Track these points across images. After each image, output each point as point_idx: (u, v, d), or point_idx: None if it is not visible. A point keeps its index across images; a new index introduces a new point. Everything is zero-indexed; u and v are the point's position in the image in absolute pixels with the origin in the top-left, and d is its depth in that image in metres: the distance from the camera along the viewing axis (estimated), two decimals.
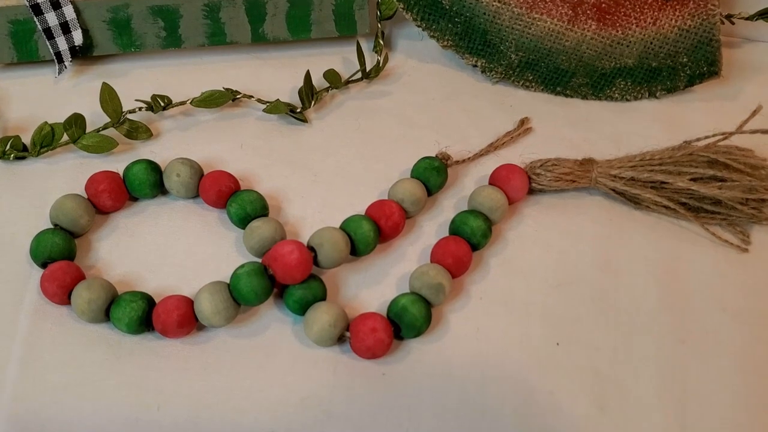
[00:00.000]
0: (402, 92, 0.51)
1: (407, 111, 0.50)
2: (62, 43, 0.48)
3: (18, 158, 0.45)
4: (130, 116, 0.46)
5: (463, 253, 0.41)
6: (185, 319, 0.38)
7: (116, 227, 0.44)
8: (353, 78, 0.50)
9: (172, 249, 0.43)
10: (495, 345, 0.40)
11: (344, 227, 0.41)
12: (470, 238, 0.41)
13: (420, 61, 0.52)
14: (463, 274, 0.41)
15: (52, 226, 0.42)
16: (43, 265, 0.41)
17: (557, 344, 0.40)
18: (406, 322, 0.38)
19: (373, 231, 0.41)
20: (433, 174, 0.44)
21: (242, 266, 0.38)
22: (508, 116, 0.50)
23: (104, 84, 0.45)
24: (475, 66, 0.51)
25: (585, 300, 0.42)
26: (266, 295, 0.38)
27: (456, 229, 0.42)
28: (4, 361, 0.38)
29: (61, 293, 0.39)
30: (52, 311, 0.40)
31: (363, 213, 0.43)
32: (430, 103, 0.50)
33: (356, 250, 0.41)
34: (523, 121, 0.49)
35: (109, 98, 0.45)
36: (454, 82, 0.51)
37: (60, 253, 0.40)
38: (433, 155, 0.45)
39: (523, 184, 0.44)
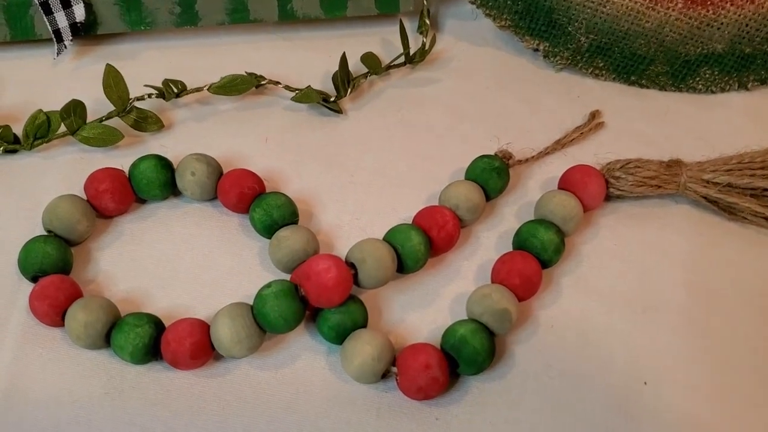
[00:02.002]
0: (451, 79, 0.44)
1: (457, 101, 0.43)
2: (62, 20, 0.42)
3: (8, 152, 0.39)
4: (137, 104, 0.39)
5: (533, 272, 0.34)
6: (200, 348, 0.32)
7: (120, 234, 0.37)
8: (395, 62, 0.43)
9: (184, 261, 0.36)
10: (570, 383, 0.33)
11: (389, 239, 0.34)
12: (540, 254, 0.35)
13: (471, 44, 0.46)
14: (531, 297, 0.34)
15: (45, 233, 0.36)
16: (34, 279, 0.34)
17: (644, 383, 0.33)
18: (465, 356, 0.32)
19: (424, 244, 0.34)
20: (493, 176, 0.37)
21: (268, 285, 0.32)
22: (574, 108, 0.43)
23: (108, 66, 0.38)
24: (537, 50, 0.44)
25: (675, 329, 0.35)
26: (297, 321, 0.32)
27: (523, 242, 0.35)
28: None
29: (53, 313, 0.33)
30: (42, 334, 0.34)
31: (410, 222, 0.36)
32: (484, 92, 0.43)
33: (403, 266, 0.34)
34: (594, 115, 0.42)
35: (114, 83, 0.38)
36: (511, 69, 0.44)
37: (53, 266, 0.34)
38: (492, 153, 0.38)
39: (600, 190, 0.37)
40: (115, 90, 0.38)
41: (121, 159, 0.39)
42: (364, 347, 0.32)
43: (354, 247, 0.33)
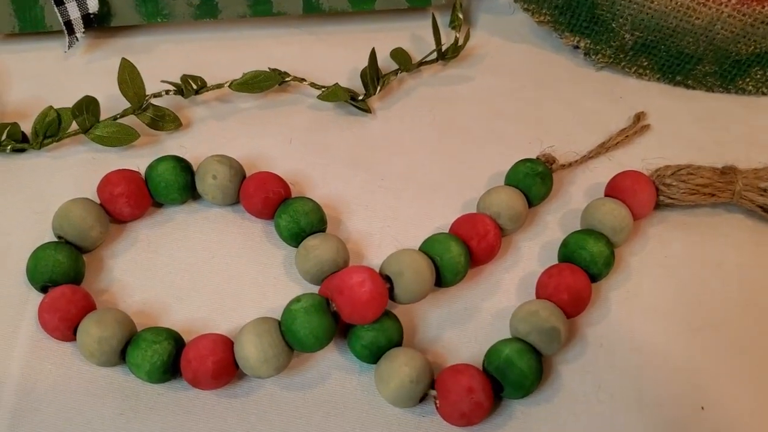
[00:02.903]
0: (485, 77, 0.41)
1: (493, 100, 0.40)
2: (74, 11, 0.39)
3: (16, 150, 0.37)
4: (154, 101, 0.37)
5: (582, 287, 0.31)
6: (223, 367, 0.30)
7: (135, 241, 0.35)
8: (427, 59, 0.41)
9: (204, 270, 0.34)
10: (621, 407, 0.30)
11: (426, 250, 0.32)
12: (589, 267, 0.32)
13: (505, 40, 0.43)
14: (580, 313, 0.32)
15: (55, 239, 0.33)
16: (43, 290, 0.32)
17: (702, 408, 0.31)
18: (511, 379, 0.29)
19: (464, 255, 0.32)
20: (536, 181, 0.35)
21: (298, 300, 0.30)
22: (617, 110, 0.40)
23: (124, 60, 0.36)
24: (577, 47, 0.41)
25: (733, 349, 0.32)
26: (328, 339, 0.29)
27: (570, 254, 0.33)
28: None
29: (64, 327, 0.30)
30: (52, 349, 0.31)
31: (446, 230, 0.34)
32: (521, 91, 0.41)
33: (442, 279, 0.32)
34: (638, 117, 0.39)
35: (129, 78, 0.36)
36: (548, 67, 0.42)
37: (64, 275, 0.32)
38: (532, 157, 0.36)
39: (650, 198, 0.34)
40: (130, 86, 0.36)
41: (137, 160, 0.37)
42: (401, 368, 0.29)
43: (390, 258, 0.31)
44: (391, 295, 0.30)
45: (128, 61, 0.36)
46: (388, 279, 0.30)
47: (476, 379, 0.29)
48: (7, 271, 0.33)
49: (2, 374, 0.31)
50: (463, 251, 0.32)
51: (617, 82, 0.41)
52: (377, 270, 0.31)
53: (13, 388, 0.30)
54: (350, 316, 0.29)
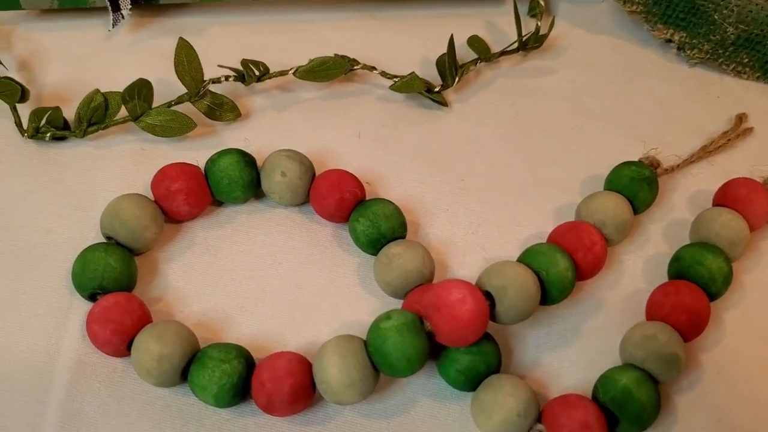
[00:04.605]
0: (569, 70, 0.38)
1: (579, 95, 0.37)
2: None
3: (56, 138, 0.33)
4: (211, 87, 0.33)
5: (702, 307, 0.28)
6: (301, 390, 0.26)
7: (191, 243, 0.31)
8: (509, 48, 0.37)
9: (270, 277, 0.30)
10: None
11: (529, 262, 0.28)
12: (708, 285, 0.29)
13: (588, 31, 0.39)
14: (697, 336, 0.29)
15: (102, 239, 0.30)
16: (91, 297, 0.28)
17: None
18: (630, 412, 0.26)
19: (571, 270, 0.28)
20: (643, 187, 0.31)
21: (388, 317, 0.26)
22: (714, 110, 0.37)
23: (182, 40, 0.32)
24: (670, 41, 0.38)
25: None
26: (422, 362, 0.26)
27: (685, 269, 0.29)
28: None
29: (117, 341, 0.27)
30: (101, 365, 0.28)
31: (540, 239, 0.30)
32: (609, 86, 0.37)
33: (548, 297, 0.28)
34: (740, 119, 0.36)
35: (187, 61, 0.32)
36: (635, 61, 0.38)
37: (116, 281, 0.28)
38: (630, 159, 0.32)
39: (766, 208, 0.31)
40: (187, 69, 0.32)
41: (191, 152, 0.33)
42: (506, 400, 0.25)
43: (489, 271, 0.27)
44: (491, 314, 0.27)
45: (186, 41, 0.32)
46: (488, 295, 0.27)
47: (591, 412, 0.26)
48: (48, 274, 0.30)
49: (44, 393, 0.27)
50: (570, 265, 0.28)
51: (713, 81, 0.38)
52: (471, 282, 0.27)
53: (57, 409, 0.27)
54: (448, 338, 0.26)
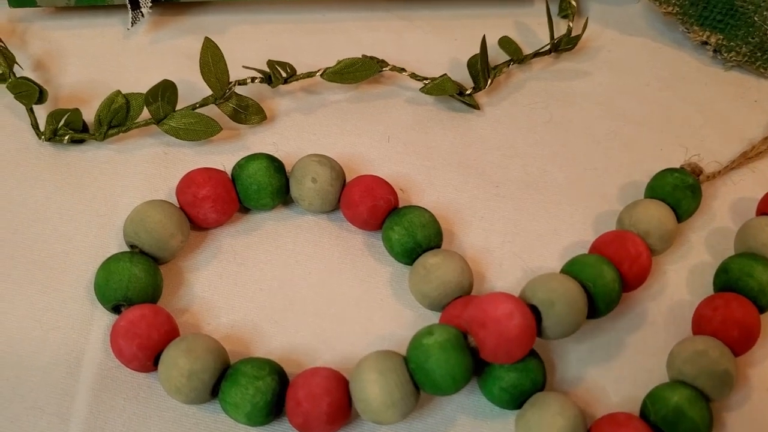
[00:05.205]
0: (603, 73, 0.36)
1: (614, 99, 0.35)
2: None
3: (75, 141, 0.32)
4: (237, 89, 0.32)
5: (753, 321, 0.27)
6: (338, 409, 0.25)
7: (218, 251, 0.30)
8: (542, 50, 0.36)
9: (301, 287, 0.29)
10: None
11: (575, 274, 0.27)
12: (758, 298, 0.27)
13: (621, 33, 0.38)
14: (747, 352, 0.27)
15: (125, 247, 0.28)
16: (115, 309, 0.27)
17: None
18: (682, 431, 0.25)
19: (618, 282, 0.27)
20: (687, 195, 0.30)
21: (430, 332, 0.25)
22: (752, 115, 0.35)
23: (208, 40, 0.31)
24: (706, 43, 0.37)
25: None
26: (466, 380, 0.24)
27: (734, 282, 0.28)
28: None
29: (143, 357, 0.26)
30: (125, 381, 0.26)
31: (581, 249, 0.29)
32: (644, 90, 0.36)
33: (594, 310, 0.27)
34: None
35: (212, 61, 0.31)
36: (670, 64, 0.37)
37: (141, 292, 0.27)
38: (671, 165, 0.31)
39: None
40: (213, 70, 0.31)
41: (216, 157, 0.32)
42: (554, 419, 0.24)
43: (534, 284, 0.26)
44: (538, 330, 0.26)
45: (212, 41, 0.31)
46: (534, 309, 0.26)
47: (640, 431, 0.25)
48: (68, 284, 0.28)
49: (65, 409, 0.26)
50: (617, 277, 0.27)
51: (751, 84, 0.37)
52: (513, 295, 0.26)
53: (79, 426, 0.25)
54: (494, 354, 0.24)
